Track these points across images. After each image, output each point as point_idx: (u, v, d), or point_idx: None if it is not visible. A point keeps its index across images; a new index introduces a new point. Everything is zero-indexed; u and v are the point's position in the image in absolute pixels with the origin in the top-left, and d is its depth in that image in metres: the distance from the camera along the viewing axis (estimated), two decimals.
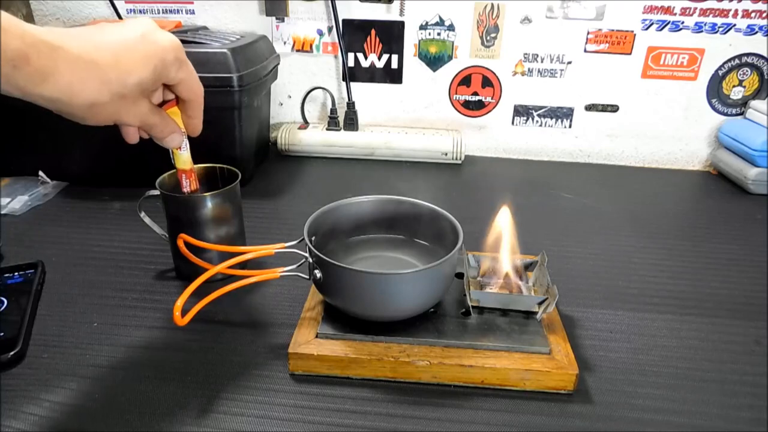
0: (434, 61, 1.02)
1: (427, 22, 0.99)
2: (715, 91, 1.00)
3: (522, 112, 1.05)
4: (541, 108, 1.04)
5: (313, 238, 0.50)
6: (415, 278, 0.47)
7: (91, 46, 0.38)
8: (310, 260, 0.49)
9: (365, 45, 1.01)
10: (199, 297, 0.46)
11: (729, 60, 0.97)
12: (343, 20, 0.99)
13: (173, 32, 0.84)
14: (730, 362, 0.51)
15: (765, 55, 0.97)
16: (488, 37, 0.99)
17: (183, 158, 0.52)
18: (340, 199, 0.57)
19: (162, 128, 0.46)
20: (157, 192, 0.58)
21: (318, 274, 0.49)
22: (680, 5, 0.94)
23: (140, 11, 1.01)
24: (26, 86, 0.35)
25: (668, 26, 0.96)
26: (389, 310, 0.49)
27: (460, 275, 0.55)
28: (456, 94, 1.04)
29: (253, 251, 0.51)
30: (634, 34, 0.96)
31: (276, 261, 0.53)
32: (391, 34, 1.00)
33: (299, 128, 1.02)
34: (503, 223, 0.57)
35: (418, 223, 0.57)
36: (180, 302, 0.43)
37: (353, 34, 1.01)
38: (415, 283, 0.48)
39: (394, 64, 1.03)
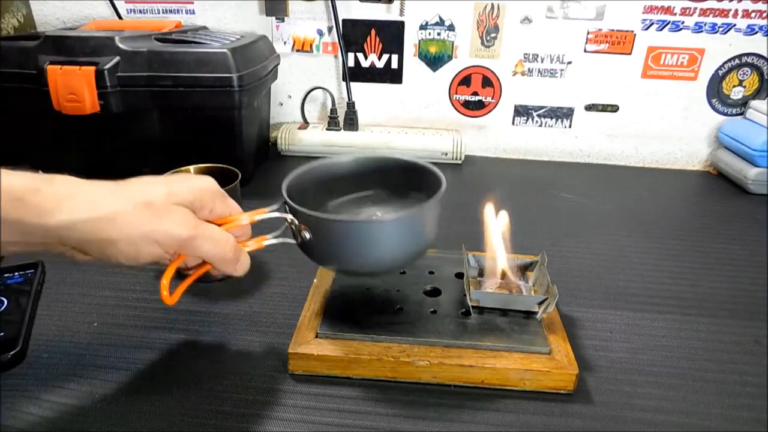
0: (434, 61, 1.02)
1: (427, 22, 0.99)
2: (715, 91, 1.00)
3: (522, 112, 1.04)
4: (541, 108, 1.04)
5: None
6: (400, 224, 0.45)
7: None
8: (295, 222, 0.46)
9: (365, 45, 1.01)
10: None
11: (729, 60, 0.97)
12: (343, 20, 0.99)
13: (173, 32, 0.84)
14: (730, 362, 0.52)
15: (765, 55, 0.97)
16: (488, 37, 0.99)
17: None
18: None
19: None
20: None
21: (307, 235, 0.45)
22: (680, 5, 0.94)
23: (140, 11, 1.01)
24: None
25: (668, 26, 0.96)
26: (375, 259, 0.46)
27: (460, 275, 0.55)
28: (456, 94, 1.04)
29: (231, 221, 0.46)
30: (634, 34, 0.96)
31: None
32: (391, 34, 1.00)
33: (299, 128, 1.02)
34: (493, 222, 0.56)
35: (400, 178, 0.54)
36: (165, 281, 0.40)
37: (353, 34, 1.01)
38: (401, 228, 0.46)
39: (394, 64, 1.02)
